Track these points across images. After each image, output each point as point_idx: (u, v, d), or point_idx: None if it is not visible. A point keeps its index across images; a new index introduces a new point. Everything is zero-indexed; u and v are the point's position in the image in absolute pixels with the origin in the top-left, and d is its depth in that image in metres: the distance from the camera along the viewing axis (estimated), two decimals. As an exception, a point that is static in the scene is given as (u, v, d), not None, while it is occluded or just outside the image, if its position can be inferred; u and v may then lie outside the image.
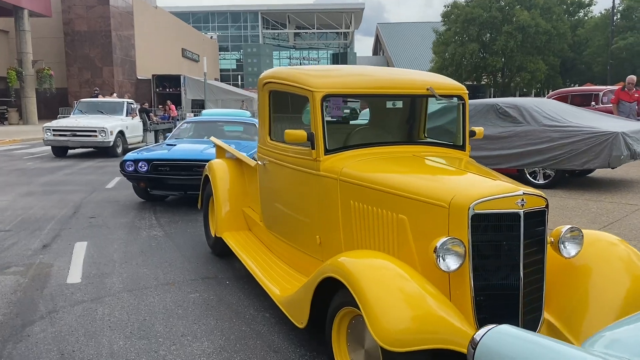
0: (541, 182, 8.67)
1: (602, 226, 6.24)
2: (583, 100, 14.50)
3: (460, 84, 4.20)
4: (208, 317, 4.01)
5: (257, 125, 10.04)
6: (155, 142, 17.72)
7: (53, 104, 35.79)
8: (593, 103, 14.07)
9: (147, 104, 21.70)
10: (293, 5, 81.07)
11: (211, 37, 73.37)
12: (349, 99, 4.42)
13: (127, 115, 17.11)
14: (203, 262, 5.41)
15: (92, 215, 7.70)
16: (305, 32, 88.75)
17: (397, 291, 2.69)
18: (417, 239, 3.02)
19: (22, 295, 4.47)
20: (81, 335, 3.70)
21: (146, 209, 8.11)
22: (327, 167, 3.65)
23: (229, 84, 59.37)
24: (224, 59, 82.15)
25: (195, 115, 38.14)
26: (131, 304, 4.27)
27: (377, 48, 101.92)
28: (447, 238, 2.74)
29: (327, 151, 3.70)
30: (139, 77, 44.96)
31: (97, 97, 22.79)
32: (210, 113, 14.98)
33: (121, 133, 16.24)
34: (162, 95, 46.56)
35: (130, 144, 16.58)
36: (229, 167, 5.49)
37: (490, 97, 42.18)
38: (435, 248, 2.74)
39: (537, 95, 33.86)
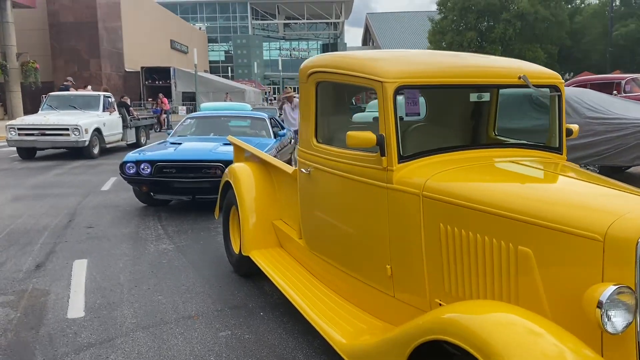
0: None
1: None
2: (603, 89, 13.77)
3: (555, 72, 3.43)
4: (248, 365, 3.23)
5: (266, 120, 9.26)
6: (137, 141, 16.73)
7: (39, 99, 34.63)
8: (615, 92, 13.36)
9: (126, 97, 19.03)
10: (282, -5, 79.79)
11: (200, 29, 72.02)
12: (425, 90, 3.62)
13: (104, 111, 15.04)
14: (226, 285, 4.61)
15: (89, 224, 6.86)
16: (295, 23, 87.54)
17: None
18: (549, 282, 2.24)
19: (14, 337, 3.64)
20: (91, 397, 2.90)
21: (149, 216, 7.28)
22: (402, 178, 2.86)
23: (219, 76, 58.29)
24: (212, 50, 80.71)
25: (188, 109, 37.21)
26: (150, 347, 3.46)
27: (367, 38, 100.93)
28: (615, 286, 1.96)
29: (402, 158, 2.91)
30: (127, 70, 43.75)
31: (68, 89, 19.52)
32: (209, 107, 14.10)
33: (97, 131, 14.32)
34: (152, 88, 45.49)
35: (109, 143, 15.01)
36: (255, 173, 4.68)
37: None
38: (600, 302, 1.95)
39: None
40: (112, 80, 40.08)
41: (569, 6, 38.49)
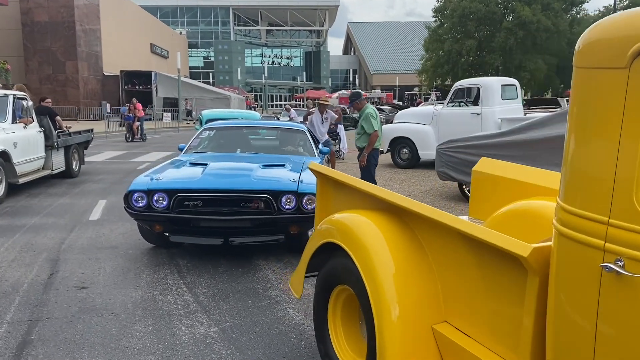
0: None
1: None
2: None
3: None
4: None
5: (306, 133, 7.28)
6: (66, 165, 10.84)
7: (9, 102, 32.01)
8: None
9: (49, 100, 11.51)
10: (266, 0, 77.89)
11: (180, 33, 69.67)
12: None
13: (14, 122, 9.11)
14: None
15: (81, 281, 4.78)
16: (278, 30, 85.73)
17: None
18: None
19: None
20: None
21: (164, 266, 5.22)
22: None
23: (200, 82, 55.97)
24: (192, 56, 78.29)
25: (173, 116, 34.88)
26: None
27: (348, 47, 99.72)
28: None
29: None
30: (105, 73, 41.26)
31: None
32: (213, 115, 12.11)
33: (3, 156, 8.51)
34: (132, 93, 42.97)
35: (23, 176, 9.04)
36: (395, 238, 2.69)
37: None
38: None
39: (534, 97, 31.81)
40: (89, 84, 37.58)
41: (568, 16, 37.39)
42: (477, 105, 10.70)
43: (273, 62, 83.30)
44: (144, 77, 43.03)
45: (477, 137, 7.54)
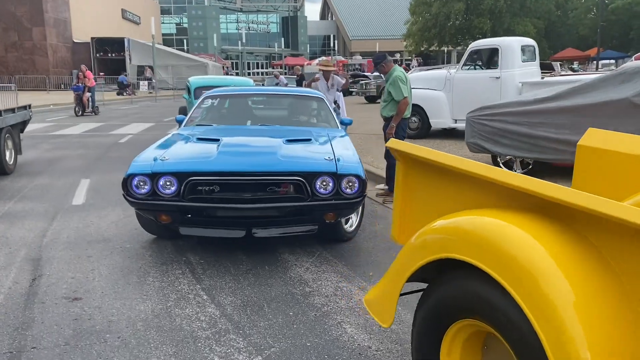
0: None
1: None
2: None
3: None
4: None
5: (325, 101, 6.28)
6: None
7: (-27, 72, 30.09)
8: None
9: None
10: (240, -37, 75.14)
11: (152, -2, 66.90)
12: None
13: None
14: None
15: (72, 289, 3.81)
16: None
17: None
18: None
19: None
20: None
21: (172, 263, 4.27)
22: None
23: (175, 49, 53.86)
24: (164, 22, 75.44)
25: (150, 84, 33.26)
26: None
27: (325, 12, 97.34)
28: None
29: None
30: (75, 41, 39.24)
31: None
32: (202, 82, 10.96)
33: None
34: (104, 61, 41.24)
35: None
36: (570, 257, 1.78)
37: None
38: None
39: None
40: (59, 52, 35.66)
41: (554, -22, 36.52)
42: (496, 68, 9.79)
43: (249, 28, 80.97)
44: (116, 44, 41.08)
45: (516, 103, 6.66)
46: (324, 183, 4.12)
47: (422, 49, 36.76)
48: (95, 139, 12.30)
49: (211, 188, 4.11)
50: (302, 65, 53.95)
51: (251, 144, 4.71)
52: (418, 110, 10.76)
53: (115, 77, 36.15)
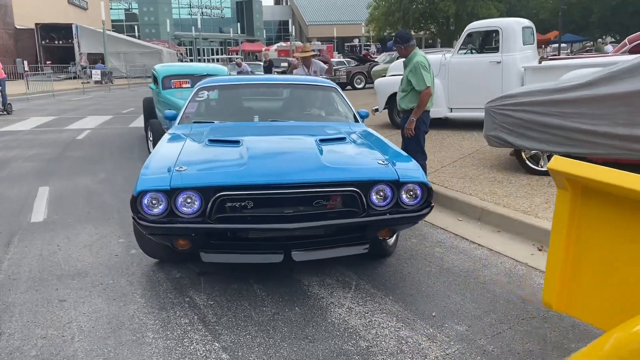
0: None
1: None
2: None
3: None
4: None
5: (337, 89, 5.35)
6: None
7: None
8: None
9: None
10: (192, -54, 72.57)
11: (99, -18, 63.72)
12: None
13: None
14: None
15: (43, 359, 2.81)
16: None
17: None
18: None
19: None
20: None
21: (175, 307, 3.31)
22: None
23: (127, 36, 51.45)
24: (112, 8, 72.22)
25: (103, 72, 31.34)
26: None
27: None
28: None
29: None
30: (18, 27, 36.73)
31: None
32: (170, 71, 9.80)
33: None
34: (51, 49, 38.87)
35: None
36: None
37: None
38: None
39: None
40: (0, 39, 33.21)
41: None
42: (496, 51, 9.05)
43: (202, 13, 78.47)
44: (64, 31, 38.77)
45: (546, 91, 5.90)
46: (382, 193, 3.31)
47: (385, 34, 36.00)
48: (49, 136, 10.99)
49: (244, 204, 3.17)
50: (260, 51, 52.44)
51: (282, 146, 3.82)
52: (410, 98, 9.96)
53: (64, 66, 34.12)
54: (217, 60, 54.59)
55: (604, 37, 39.99)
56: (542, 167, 6.10)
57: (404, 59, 5.41)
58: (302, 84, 5.31)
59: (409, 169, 3.46)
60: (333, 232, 3.36)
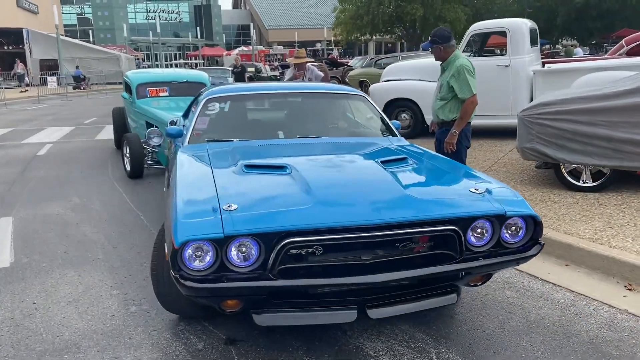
0: None
1: None
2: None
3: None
4: None
5: (366, 97, 4.49)
6: None
7: None
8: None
9: None
10: (147, -51, 70.67)
11: (50, -15, 61.17)
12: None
13: None
14: None
15: None
16: (163, -19, 78.61)
17: None
18: None
19: None
20: None
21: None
22: None
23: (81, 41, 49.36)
24: (63, 13, 69.56)
25: (59, 80, 29.64)
26: None
27: (238, 1, 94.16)
28: None
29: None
30: (-37, 32, 34.50)
31: None
32: (145, 78, 8.79)
33: None
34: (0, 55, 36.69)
35: None
36: None
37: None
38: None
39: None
40: (-56, 45, 31.08)
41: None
42: (503, 54, 8.44)
43: (159, 17, 76.50)
44: (13, 36, 36.80)
45: (590, 98, 5.25)
46: (480, 231, 2.58)
47: (352, 37, 35.41)
48: (5, 152, 9.79)
49: (315, 250, 2.37)
50: (220, 56, 51.14)
51: (345, 173, 2.99)
52: (409, 105, 9.28)
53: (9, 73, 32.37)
54: (176, 65, 53.08)
55: (561, 40, 40.50)
56: (585, 182, 5.45)
57: (441, 62, 4.64)
58: (327, 93, 4.46)
59: (510, 199, 2.71)
60: (420, 282, 2.58)
